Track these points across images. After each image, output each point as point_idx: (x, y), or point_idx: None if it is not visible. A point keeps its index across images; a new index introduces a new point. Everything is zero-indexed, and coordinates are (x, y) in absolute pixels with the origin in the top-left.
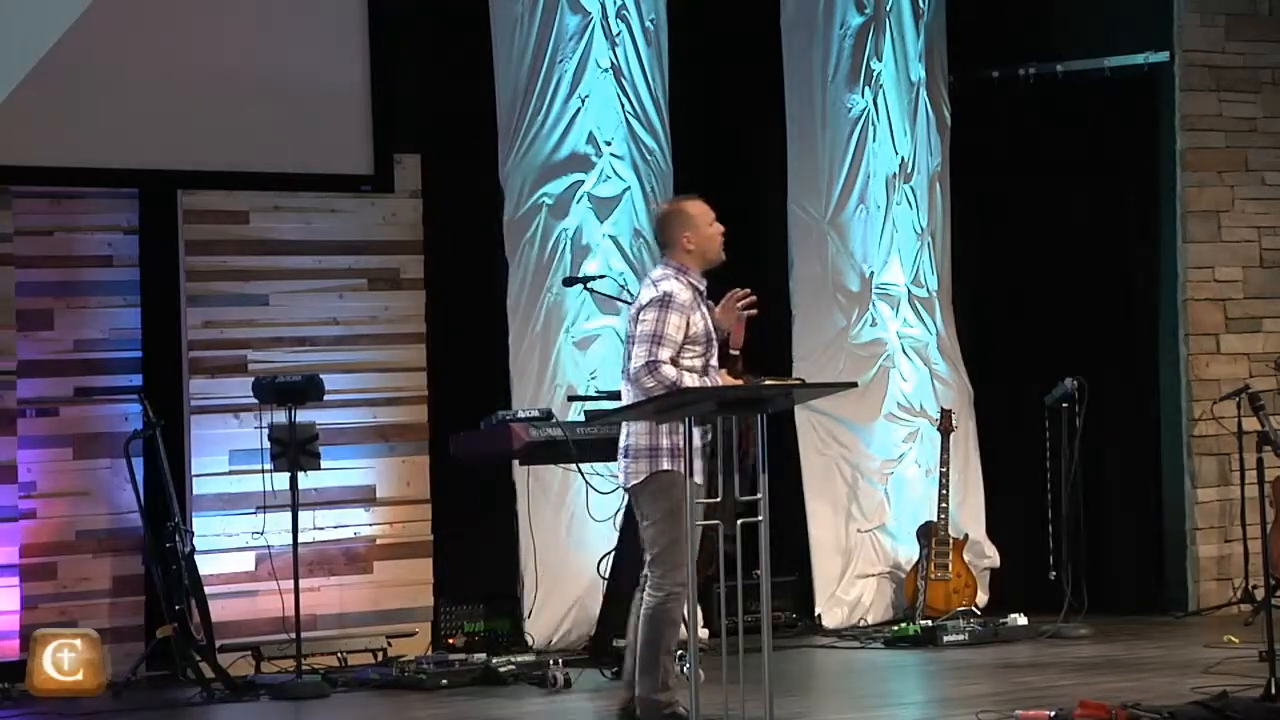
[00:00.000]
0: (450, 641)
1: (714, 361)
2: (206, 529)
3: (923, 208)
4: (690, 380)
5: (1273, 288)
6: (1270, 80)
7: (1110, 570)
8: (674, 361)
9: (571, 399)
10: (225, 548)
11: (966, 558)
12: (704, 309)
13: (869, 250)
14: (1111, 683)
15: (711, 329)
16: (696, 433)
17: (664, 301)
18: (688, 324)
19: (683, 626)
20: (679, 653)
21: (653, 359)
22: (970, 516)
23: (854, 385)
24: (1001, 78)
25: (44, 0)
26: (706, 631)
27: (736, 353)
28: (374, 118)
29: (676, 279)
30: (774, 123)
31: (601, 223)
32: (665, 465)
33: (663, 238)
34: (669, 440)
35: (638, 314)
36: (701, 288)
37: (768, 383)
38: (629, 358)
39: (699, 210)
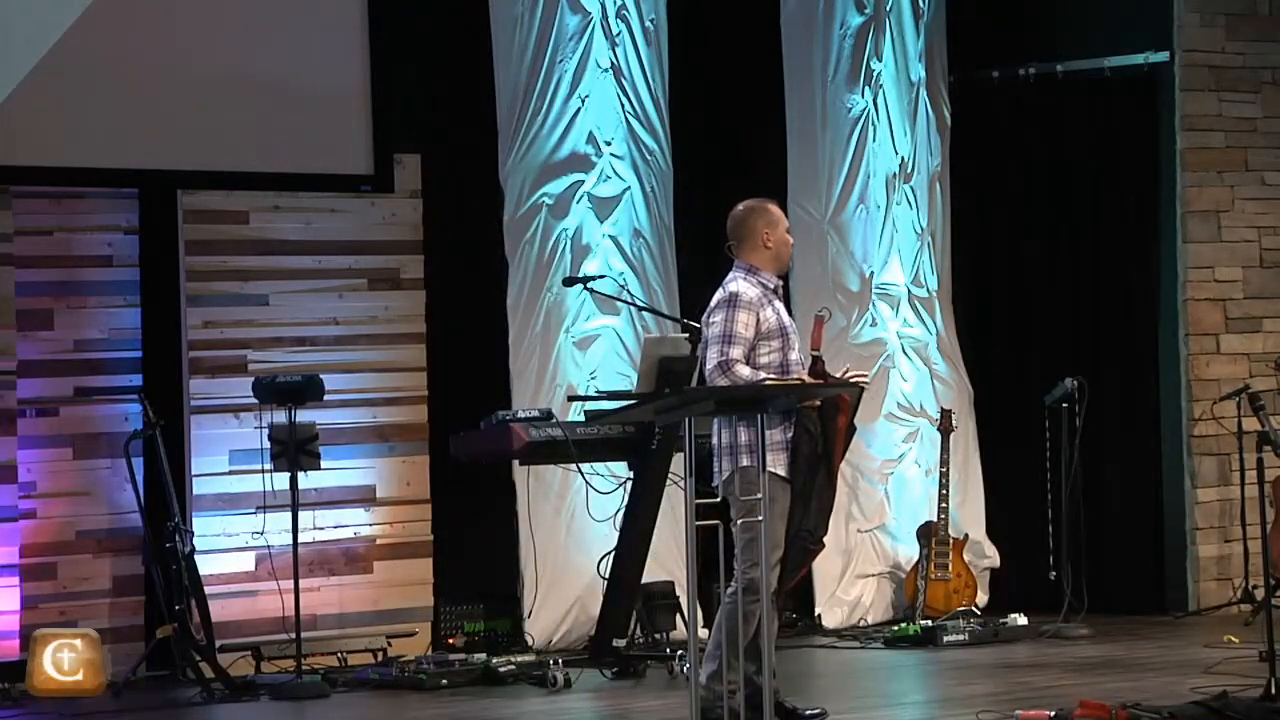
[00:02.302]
0: (450, 641)
1: (794, 356)
2: (206, 529)
3: (923, 208)
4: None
5: (1273, 288)
6: (1270, 80)
7: (1110, 570)
8: (750, 360)
9: (571, 399)
10: (225, 548)
11: (966, 558)
12: (777, 305)
13: (869, 250)
14: (1111, 683)
15: (786, 323)
16: (778, 429)
17: (731, 301)
18: (758, 320)
19: (685, 626)
20: (679, 653)
21: (724, 359)
22: (970, 516)
23: (854, 385)
24: (1001, 78)
25: (44, 0)
26: (706, 631)
27: (818, 353)
28: (374, 118)
29: (744, 279)
30: (774, 123)
31: (601, 223)
32: (745, 461)
33: (739, 233)
34: (747, 436)
35: (708, 319)
36: (772, 285)
37: (768, 382)
38: (703, 362)
39: (780, 213)
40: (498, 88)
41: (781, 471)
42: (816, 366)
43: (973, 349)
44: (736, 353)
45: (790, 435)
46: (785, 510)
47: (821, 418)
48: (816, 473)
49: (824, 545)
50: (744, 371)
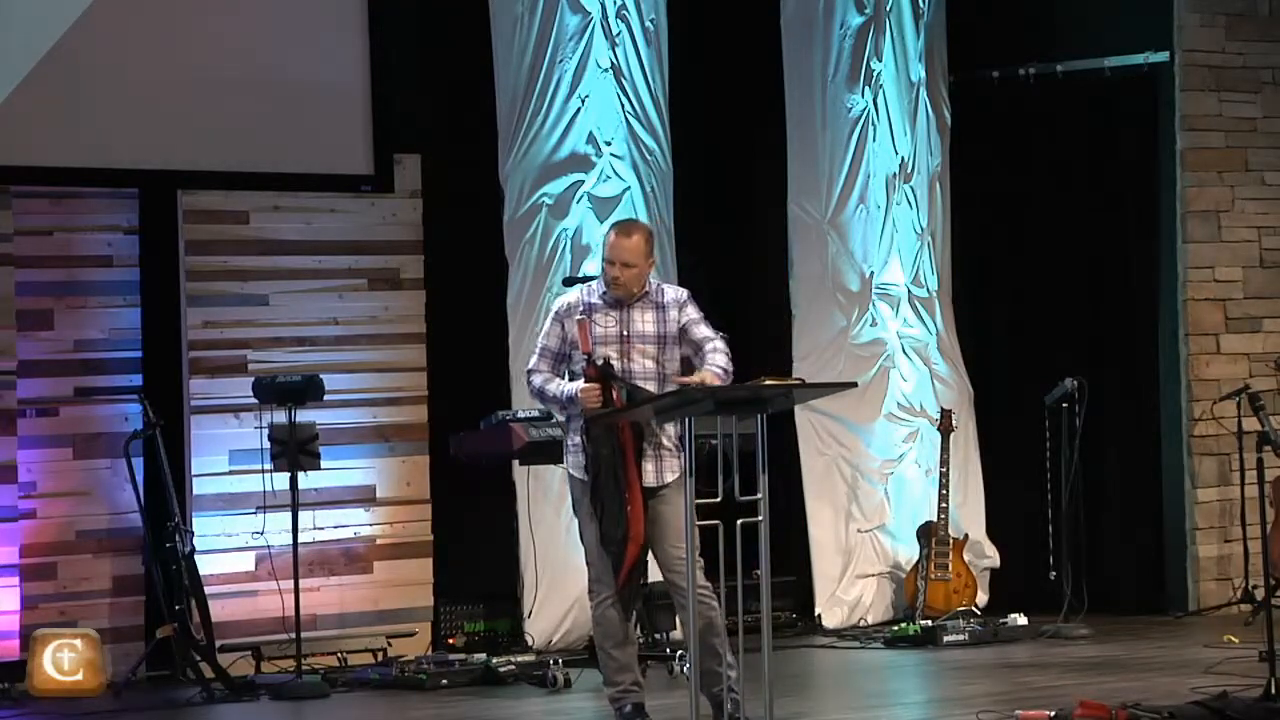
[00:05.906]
0: (450, 641)
1: (625, 365)
2: (206, 529)
3: (923, 208)
4: (555, 386)
5: (1273, 288)
6: (1270, 80)
7: (1110, 570)
8: (566, 369)
9: None
10: (225, 548)
11: (966, 558)
12: (596, 316)
13: (869, 250)
14: (1111, 683)
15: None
16: (574, 431)
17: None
18: (562, 329)
19: (679, 626)
20: (679, 653)
21: (527, 368)
22: (970, 516)
23: (854, 385)
24: (1001, 78)
25: (44, 0)
26: None
27: (588, 354)
28: (374, 118)
29: (584, 289)
30: (774, 123)
31: (601, 223)
32: (565, 462)
33: None
34: (567, 438)
35: None
36: (597, 295)
37: (768, 383)
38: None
39: (609, 239)
40: (498, 88)
41: (579, 474)
42: (588, 370)
43: (973, 349)
44: (533, 361)
45: (581, 437)
46: (590, 511)
47: (605, 431)
48: (602, 477)
49: (633, 544)
50: (535, 381)
